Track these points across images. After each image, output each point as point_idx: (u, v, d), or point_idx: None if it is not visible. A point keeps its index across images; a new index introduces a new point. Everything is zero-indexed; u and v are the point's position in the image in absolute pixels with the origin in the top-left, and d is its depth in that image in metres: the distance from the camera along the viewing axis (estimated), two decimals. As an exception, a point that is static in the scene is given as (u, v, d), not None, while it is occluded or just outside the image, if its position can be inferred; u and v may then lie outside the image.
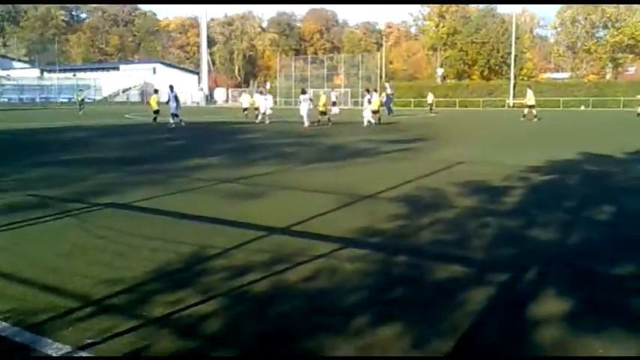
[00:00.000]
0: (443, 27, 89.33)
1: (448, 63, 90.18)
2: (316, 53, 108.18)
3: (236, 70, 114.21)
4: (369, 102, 28.59)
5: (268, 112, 31.39)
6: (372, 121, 28.17)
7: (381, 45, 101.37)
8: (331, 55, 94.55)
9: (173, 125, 25.48)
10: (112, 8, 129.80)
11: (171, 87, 27.24)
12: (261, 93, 34.74)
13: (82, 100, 46.20)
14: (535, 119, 33.01)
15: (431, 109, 52.37)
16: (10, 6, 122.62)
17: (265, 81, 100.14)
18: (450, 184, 9.53)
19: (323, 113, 29.46)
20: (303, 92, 29.29)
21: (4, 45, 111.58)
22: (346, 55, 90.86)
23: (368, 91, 30.22)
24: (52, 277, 4.62)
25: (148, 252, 5.38)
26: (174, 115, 26.26)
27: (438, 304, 4.19)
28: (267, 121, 30.33)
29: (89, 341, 3.44)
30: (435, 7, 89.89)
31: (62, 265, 4.98)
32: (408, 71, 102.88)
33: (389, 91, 42.01)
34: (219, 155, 14.49)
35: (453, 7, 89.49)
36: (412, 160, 13.87)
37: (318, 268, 4.90)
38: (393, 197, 8.48)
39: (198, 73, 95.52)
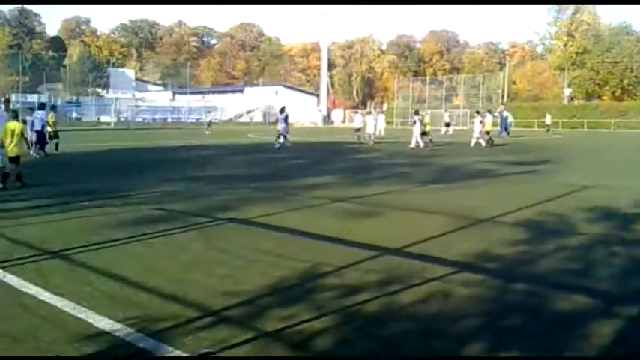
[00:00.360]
0: (572, 46, 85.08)
1: (576, 83, 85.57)
2: (435, 74, 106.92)
3: (354, 92, 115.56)
4: (481, 123, 27.71)
5: (381, 133, 31.29)
6: (482, 142, 27.18)
7: (504, 65, 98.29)
8: (450, 75, 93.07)
9: (278, 146, 25.90)
10: (240, 34, 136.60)
11: (282, 108, 27.83)
12: (369, 114, 34.68)
13: (210, 120, 49.11)
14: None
15: (548, 130, 49.78)
16: (147, 33, 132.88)
17: (382, 102, 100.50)
18: (575, 210, 9.00)
19: (425, 134, 28.81)
20: (416, 113, 29.06)
21: (141, 69, 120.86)
22: (466, 75, 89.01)
23: (479, 112, 29.54)
24: (174, 286, 4.90)
25: (264, 266, 5.56)
26: (283, 136, 26.80)
27: (556, 336, 3.95)
28: (372, 142, 30.06)
29: (207, 350, 3.59)
30: (564, 26, 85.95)
31: (185, 275, 5.26)
32: (532, 91, 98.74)
33: (504, 113, 40.34)
34: (334, 174, 14.68)
35: (583, 26, 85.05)
36: (533, 183, 13.24)
37: (431, 291, 4.81)
38: (512, 221, 8.15)
39: (317, 95, 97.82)
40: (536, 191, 11.68)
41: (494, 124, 30.49)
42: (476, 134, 27.69)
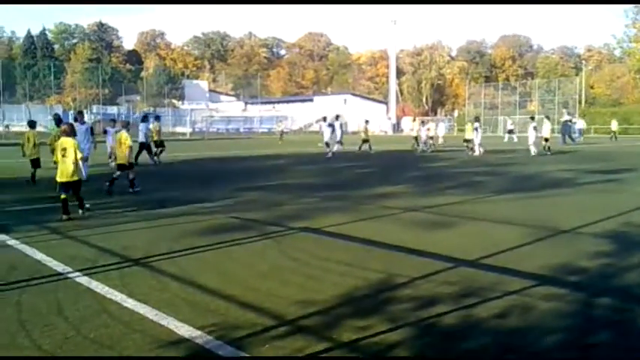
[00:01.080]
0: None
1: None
2: (508, 80, 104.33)
3: (424, 99, 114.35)
4: (535, 129, 26.42)
5: (438, 141, 30.62)
6: (533, 150, 25.76)
7: (580, 69, 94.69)
8: (524, 81, 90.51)
9: (330, 155, 25.67)
10: (308, 44, 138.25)
11: (336, 116, 28.82)
12: (422, 122, 33.95)
13: (282, 130, 50.01)
14: None
15: (614, 137, 47.34)
16: (219, 45, 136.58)
17: (453, 109, 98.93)
18: (664, 221, 8.52)
19: (467, 141, 27.97)
20: (477, 120, 28.55)
21: (214, 80, 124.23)
22: (540, 80, 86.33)
23: (533, 118, 28.29)
24: (251, 295, 4.97)
25: (337, 276, 5.56)
26: (339, 143, 27.44)
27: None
28: (428, 150, 29.35)
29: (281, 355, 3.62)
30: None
31: (260, 284, 5.33)
32: (611, 96, 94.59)
33: (566, 117, 38.73)
34: (404, 183, 14.55)
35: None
36: (615, 193, 12.64)
37: (509, 305, 4.66)
38: (594, 233, 7.79)
39: (386, 103, 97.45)
40: (618, 201, 11.15)
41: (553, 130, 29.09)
42: (531, 141, 26.23)
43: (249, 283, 5.35)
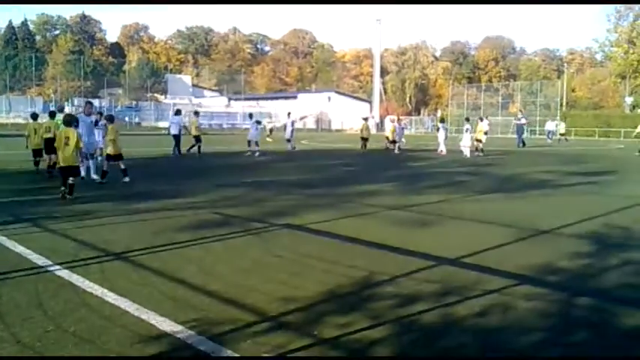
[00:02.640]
0: (633, 53, 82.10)
1: (638, 91, 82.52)
2: (491, 81, 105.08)
3: (407, 99, 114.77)
4: (467, 131, 26.41)
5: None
6: (465, 152, 25.65)
7: (562, 72, 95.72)
8: (507, 82, 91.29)
9: (291, 148, 26.82)
10: (293, 41, 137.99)
11: (288, 113, 29.40)
12: (392, 121, 33.69)
13: (272, 128, 49.21)
14: None
15: (565, 139, 47.60)
16: (203, 40, 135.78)
17: (436, 109, 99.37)
18: (641, 223, 8.67)
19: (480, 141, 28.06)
20: (467, 120, 28.70)
21: (197, 75, 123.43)
22: (523, 82, 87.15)
23: (468, 120, 28.41)
24: (233, 290, 4.96)
25: (319, 273, 5.57)
26: (289, 141, 27.63)
27: (623, 354, 3.82)
28: (397, 151, 29.07)
29: (265, 355, 3.63)
30: (624, 33, 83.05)
31: (242, 280, 5.33)
32: (592, 100, 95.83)
33: (522, 121, 38.32)
34: (388, 182, 14.59)
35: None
36: (594, 195, 12.83)
37: (490, 303, 4.71)
38: (574, 233, 7.90)
39: (370, 102, 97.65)
40: (598, 203, 11.31)
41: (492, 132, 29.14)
42: (464, 143, 26.08)
43: (231, 279, 5.34)
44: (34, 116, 16.34)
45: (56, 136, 10.70)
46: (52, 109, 17.51)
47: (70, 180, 10.19)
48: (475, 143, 26.81)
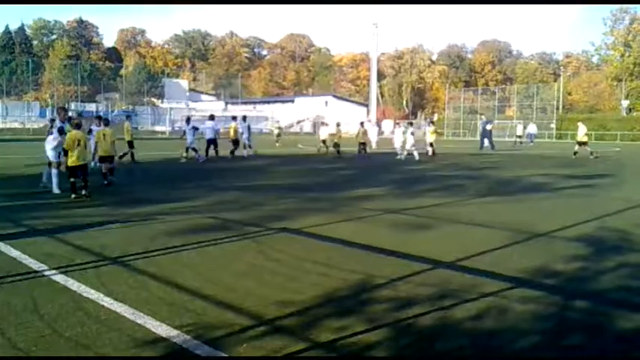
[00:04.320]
0: (629, 56, 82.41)
1: (635, 94, 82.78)
2: (487, 84, 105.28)
3: (404, 102, 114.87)
4: (404, 134, 26.43)
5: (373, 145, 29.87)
6: (401, 154, 26.13)
7: (559, 75, 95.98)
8: (503, 86, 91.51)
9: (246, 155, 25.20)
10: (290, 45, 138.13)
11: (244, 117, 27.76)
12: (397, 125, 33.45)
13: (279, 133, 47.90)
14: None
15: (520, 141, 47.73)
16: (200, 44, 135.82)
17: (433, 112, 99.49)
18: (635, 226, 8.69)
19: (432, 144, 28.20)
20: (432, 123, 29.27)
21: (194, 79, 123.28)
22: (519, 85, 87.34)
23: (411, 124, 28.83)
24: (229, 295, 4.96)
25: (316, 277, 5.57)
26: (248, 146, 25.77)
27: (619, 356, 3.83)
28: (402, 157, 28.75)
29: (259, 355, 3.62)
30: (620, 36, 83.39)
31: (238, 284, 5.32)
32: (588, 103, 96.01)
33: (488, 126, 37.19)
34: (384, 185, 14.60)
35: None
36: (590, 198, 12.85)
37: (486, 306, 4.72)
38: (570, 237, 7.91)
39: (367, 106, 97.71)
40: (594, 206, 11.33)
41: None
42: (397, 144, 26.51)
43: (227, 283, 5.34)
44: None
45: (67, 139, 11.46)
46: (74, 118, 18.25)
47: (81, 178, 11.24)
48: (428, 148, 27.52)
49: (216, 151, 23.85)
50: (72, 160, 11.13)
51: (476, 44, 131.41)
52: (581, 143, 27.98)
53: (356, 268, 5.88)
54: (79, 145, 11.22)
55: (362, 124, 30.53)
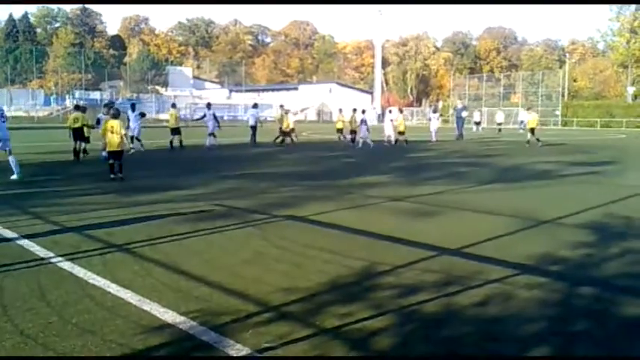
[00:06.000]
0: (635, 43, 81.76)
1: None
2: (492, 71, 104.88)
3: (409, 90, 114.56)
4: (365, 122, 25.86)
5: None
6: (392, 139, 26.93)
7: (564, 62, 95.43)
8: (508, 73, 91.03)
9: (209, 145, 23.35)
10: (294, 32, 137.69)
11: (208, 105, 25.54)
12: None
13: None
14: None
15: (499, 129, 47.93)
16: (204, 32, 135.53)
17: (437, 100, 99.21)
18: (643, 213, 8.67)
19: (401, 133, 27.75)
20: (435, 111, 29.79)
21: (198, 67, 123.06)
22: (524, 72, 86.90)
23: (390, 112, 28.84)
24: (235, 281, 4.98)
25: (321, 264, 5.59)
26: (212, 136, 23.80)
27: (624, 342, 3.84)
28: (386, 143, 28.17)
29: (267, 345, 3.64)
30: (626, 23, 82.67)
31: (244, 271, 5.34)
32: (594, 89, 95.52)
33: (463, 114, 35.25)
34: (389, 173, 14.60)
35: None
36: (596, 185, 12.82)
37: (491, 293, 4.72)
38: (575, 223, 7.90)
39: (371, 93, 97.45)
40: (599, 193, 11.31)
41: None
42: (363, 134, 25.62)
43: (233, 270, 5.36)
44: (82, 109, 18.56)
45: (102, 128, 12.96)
46: (79, 103, 20.43)
47: (117, 162, 12.33)
48: (397, 135, 27.52)
49: (254, 139, 25.64)
50: (110, 145, 12.30)
51: (481, 31, 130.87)
52: (532, 130, 27.46)
53: (361, 255, 5.89)
54: (112, 132, 12.27)
55: (354, 110, 29.30)
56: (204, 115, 24.64)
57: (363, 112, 26.60)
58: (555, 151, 24.12)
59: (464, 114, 35.35)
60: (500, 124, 49.28)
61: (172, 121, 23.52)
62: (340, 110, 31.32)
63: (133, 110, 21.57)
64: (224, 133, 25.10)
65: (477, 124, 48.55)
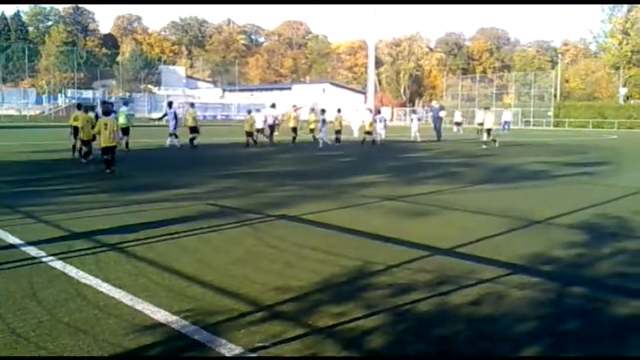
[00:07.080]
0: (627, 44, 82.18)
1: (632, 82, 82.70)
2: (485, 72, 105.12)
3: (402, 90, 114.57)
4: (324, 122, 26.29)
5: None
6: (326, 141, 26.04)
7: (556, 63, 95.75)
8: (501, 73, 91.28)
9: (168, 145, 22.76)
10: (288, 32, 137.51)
11: (169, 104, 24.72)
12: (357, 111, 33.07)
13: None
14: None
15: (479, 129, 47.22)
16: (197, 31, 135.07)
17: (430, 100, 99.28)
18: (633, 212, 8.73)
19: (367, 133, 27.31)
20: (414, 112, 29.62)
21: (191, 67, 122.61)
22: (517, 73, 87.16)
23: (324, 111, 27.50)
24: (228, 281, 4.97)
25: (314, 263, 5.58)
26: (174, 135, 22.94)
27: (615, 342, 3.85)
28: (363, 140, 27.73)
29: (259, 344, 3.63)
30: (618, 24, 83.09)
31: (237, 270, 5.33)
32: (586, 91, 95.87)
33: (441, 113, 34.60)
34: (383, 173, 14.61)
35: (639, 24, 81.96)
36: (588, 185, 12.88)
37: (484, 292, 4.73)
38: (567, 223, 7.93)
39: (364, 93, 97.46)
40: (592, 193, 11.37)
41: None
42: (322, 134, 26.01)
43: (225, 269, 5.34)
44: (86, 108, 18.31)
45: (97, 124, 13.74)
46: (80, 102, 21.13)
47: (109, 156, 13.04)
48: (365, 135, 27.36)
49: (271, 138, 25.63)
50: (103, 141, 13.02)
51: (474, 32, 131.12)
52: (488, 131, 27.23)
53: (354, 255, 5.89)
54: (105, 129, 13.02)
55: (339, 110, 29.10)
56: (165, 114, 24.30)
57: (323, 111, 27.28)
58: (548, 152, 24.21)
59: (441, 114, 34.79)
60: (480, 124, 48.66)
61: (190, 120, 24.00)
62: (339, 110, 30.29)
63: (126, 106, 23.12)
64: (220, 133, 25.01)
65: (458, 124, 47.64)
